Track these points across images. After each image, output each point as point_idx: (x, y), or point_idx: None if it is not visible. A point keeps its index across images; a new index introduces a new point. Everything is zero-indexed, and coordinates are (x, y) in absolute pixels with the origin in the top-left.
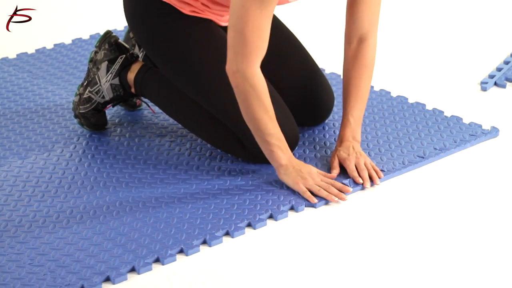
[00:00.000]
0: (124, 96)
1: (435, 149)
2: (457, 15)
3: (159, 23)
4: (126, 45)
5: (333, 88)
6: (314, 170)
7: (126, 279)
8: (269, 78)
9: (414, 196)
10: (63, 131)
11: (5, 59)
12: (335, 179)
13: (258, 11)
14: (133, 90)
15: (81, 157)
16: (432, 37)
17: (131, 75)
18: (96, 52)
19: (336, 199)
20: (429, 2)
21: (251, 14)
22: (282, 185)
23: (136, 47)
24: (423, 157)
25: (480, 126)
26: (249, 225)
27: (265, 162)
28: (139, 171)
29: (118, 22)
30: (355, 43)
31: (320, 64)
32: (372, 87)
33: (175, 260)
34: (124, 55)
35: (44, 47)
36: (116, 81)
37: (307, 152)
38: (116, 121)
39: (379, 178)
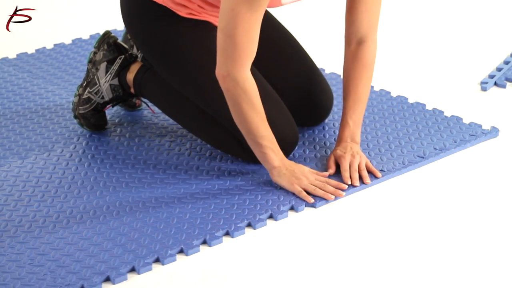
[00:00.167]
0: (123, 96)
1: (435, 149)
2: (457, 15)
3: (155, 26)
4: (125, 46)
5: (333, 88)
6: (306, 169)
7: (126, 279)
8: (267, 78)
9: (414, 196)
10: (63, 131)
11: (5, 59)
12: (331, 178)
13: (248, 15)
14: (132, 90)
15: (81, 157)
16: (432, 37)
17: (130, 76)
18: (95, 53)
19: (333, 197)
20: (429, 2)
21: (241, 17)
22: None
23: (135, 47)
24: (423, 157)
25: (480, 126)
26: (249, 225)
27: None
28: (139, 171)
29: (118, 22)
30: (354, 45)
31: (320, 64)
32: (372, 87)
33: (175, 260)
34: (123, 56)
35: (44, 47)
36: (116, 81)
37: (307, 152)
38: (116, 121)
39: (377, 178)
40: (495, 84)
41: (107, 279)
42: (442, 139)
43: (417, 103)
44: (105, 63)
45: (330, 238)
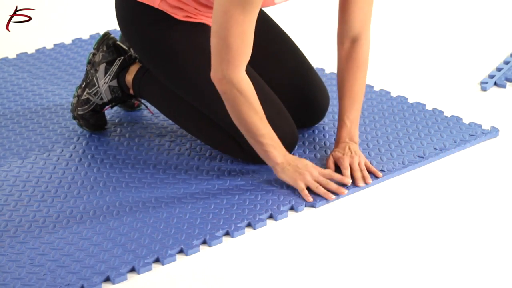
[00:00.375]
0: (122, 97)
1: (435, 149)
2: (457, 15)
3: (152, 30)
4: (124, 47)
5: (333, 88)
6: (310, 163)
7: (126, 279)
8: (263, 78)
9: (414, 196)
10: (63, 131)
11: (5, 59)
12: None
13: (241, 17)
14: (131, 91)
15: (81, 157)
16: (432, 37)
17: (129, 77)
18: (94, 54)
19: (334, 197)
20: (429, 2)
21: (234, 20)
22: (282, 185)
23: None
24: (423, 157)
25: (480, 126)
26: (249, 225)
27: (264, 162)
28: (139, 171)
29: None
30: (347, 44)
31: (320, 64)
32: (372, 87)
33: (175, 260)
34: (122, 57)
35: (44, 47)
36: (114, 83)
37: (307, 152)
38: (116, 121)
39: (377, 178)
40: (495, 84)
41: (107, 279)
42: (442, 139)
43: (417, 103)
44: (104, 64)
45: (330, 238)
